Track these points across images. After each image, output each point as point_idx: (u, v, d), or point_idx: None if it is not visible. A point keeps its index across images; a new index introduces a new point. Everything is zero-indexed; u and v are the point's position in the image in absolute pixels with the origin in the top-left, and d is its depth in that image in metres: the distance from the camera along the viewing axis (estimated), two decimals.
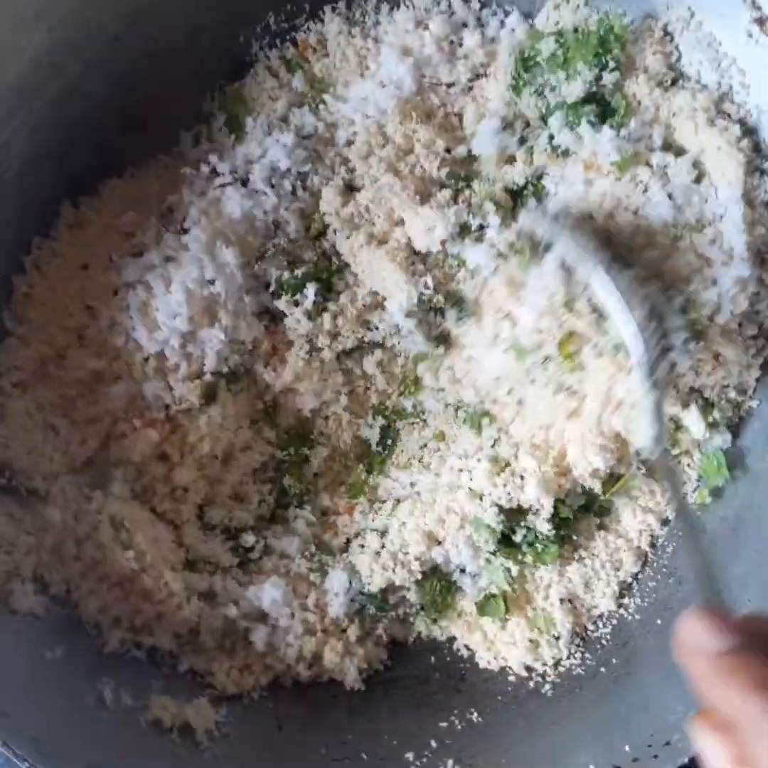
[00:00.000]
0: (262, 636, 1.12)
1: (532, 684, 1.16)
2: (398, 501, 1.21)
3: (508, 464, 1.16)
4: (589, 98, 1.17)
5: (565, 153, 1.18)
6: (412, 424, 1.25)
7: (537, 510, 1.14)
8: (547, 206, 1.15)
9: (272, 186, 1.19)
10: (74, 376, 1.14)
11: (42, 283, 1.16)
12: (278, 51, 1.26)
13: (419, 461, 1.24)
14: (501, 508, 1.13)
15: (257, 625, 1.13)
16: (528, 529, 1.16)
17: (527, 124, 1.21)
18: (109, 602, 1.08)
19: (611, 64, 1.16)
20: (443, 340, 1.20)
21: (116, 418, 1.15)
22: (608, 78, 1.16)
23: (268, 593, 1.13)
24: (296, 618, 1.13)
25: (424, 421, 1.24)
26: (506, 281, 1.13)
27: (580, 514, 1.19)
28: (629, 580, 1.19)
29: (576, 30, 1.17)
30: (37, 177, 1.15)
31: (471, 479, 1.16)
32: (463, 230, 1.16)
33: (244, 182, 1.20)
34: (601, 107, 1.17)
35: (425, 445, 1.24)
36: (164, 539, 1.13)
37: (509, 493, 1.13)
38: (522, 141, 1.20)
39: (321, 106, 1.24)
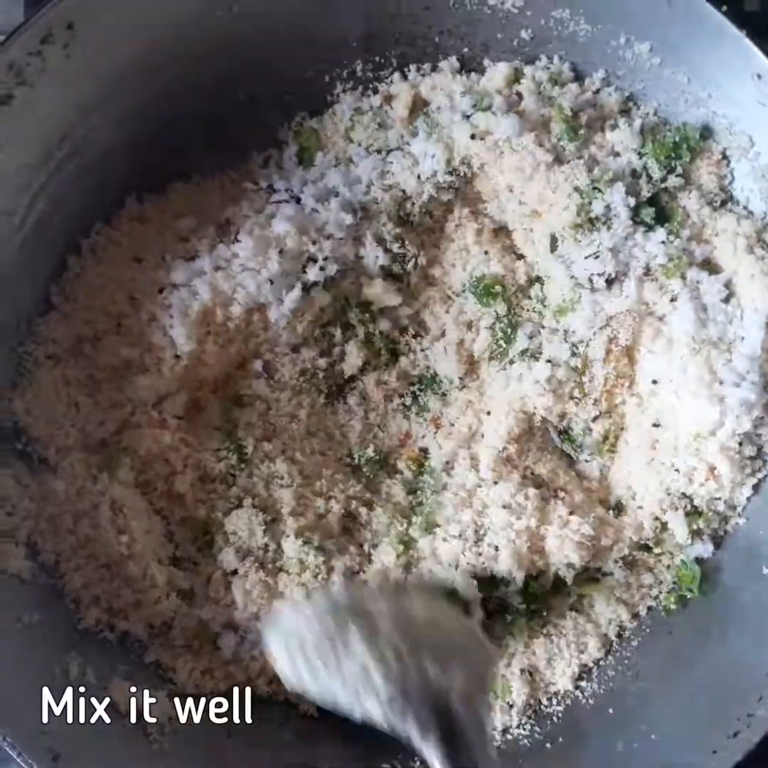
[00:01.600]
0: (231, 644, 1.14)
1: None
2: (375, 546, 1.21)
3: (484, 534, 1.16)
4: (651, 200, 1.21)
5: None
6: None
7: (508, 582, 1.15)
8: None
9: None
10: (105, 360, 1.17)
11: (94, 267, 1.20)
12: (359, 96, 1.30)
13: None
14: (475, 576, 1.14)
15: (227, 632, 1.15)
16: (500, 601, 1.16)
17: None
18: (93, 580, 1.10)
19: (679, 170, 1.21)
20: None
21: (135, 408, 1.17)
22: (673, 181, 1.20)
23: None
24: None
25: None
26: None
27: (555, 591, 1.20)
28: (590, 664, 1.18)
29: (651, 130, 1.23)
30: (112, 167, 1.20)
31: (445, 540, 1.16)
32: None
33: (298, 199, 1.23)
34: (658, 210, 1.21)
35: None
36: (157, 532, 1.15)
37: (483, 563, 1.14)
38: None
39: None
